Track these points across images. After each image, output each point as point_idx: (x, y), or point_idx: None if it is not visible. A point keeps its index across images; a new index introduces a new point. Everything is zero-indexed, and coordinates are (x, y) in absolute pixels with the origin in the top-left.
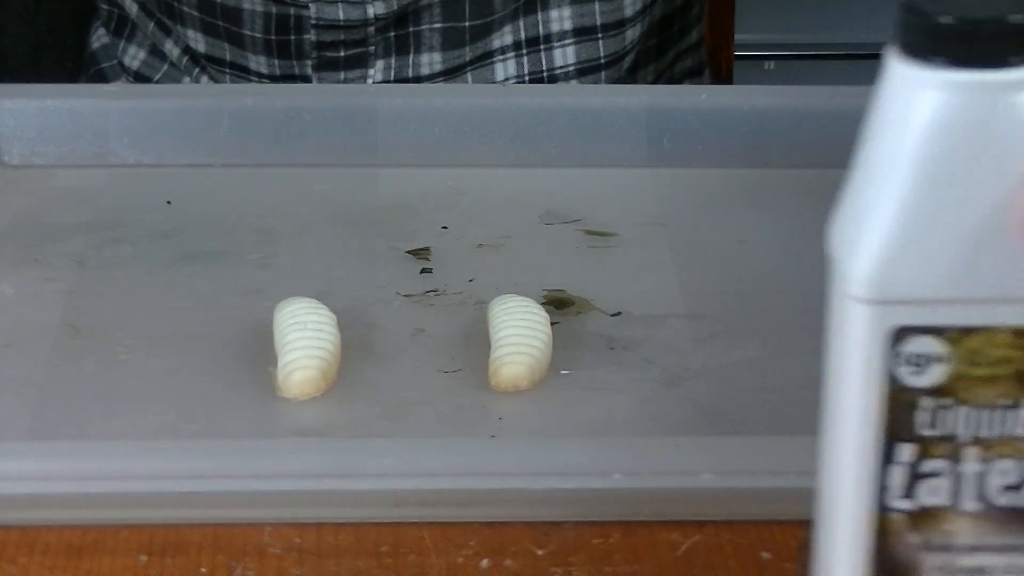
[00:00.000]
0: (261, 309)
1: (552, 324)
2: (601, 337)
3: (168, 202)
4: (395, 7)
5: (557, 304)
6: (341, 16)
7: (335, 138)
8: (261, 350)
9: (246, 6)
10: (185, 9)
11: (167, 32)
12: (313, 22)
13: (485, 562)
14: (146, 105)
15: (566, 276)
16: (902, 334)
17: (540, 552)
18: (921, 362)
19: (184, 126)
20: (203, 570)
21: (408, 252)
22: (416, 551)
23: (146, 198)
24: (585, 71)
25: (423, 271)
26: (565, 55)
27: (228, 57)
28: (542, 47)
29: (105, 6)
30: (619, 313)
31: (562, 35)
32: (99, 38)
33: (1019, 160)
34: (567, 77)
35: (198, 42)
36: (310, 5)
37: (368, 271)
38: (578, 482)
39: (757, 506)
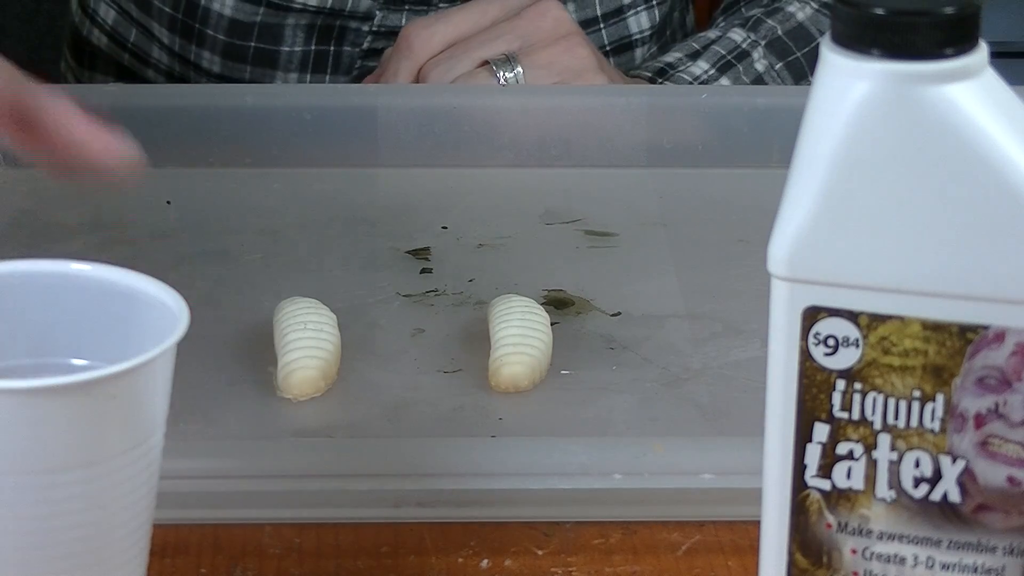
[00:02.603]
0: (261, 309)
1: (552, 324)
2: (601, 337)
3: (168, 202)
4: None
5: (557, 304)
6: (404, 23)
7: (335, 138)
8: (261, 350)
9: (289, 21)
10: (208, 32)
11: (145, 62)
12: (374, 29)
13: (485, 562)
14: (146, 105)
15: (566, 276)
16: (815, 314)
17: (540, 552)
18: (833, 343)
19: (184, 126)
20: (203, 570)
21: (408, 252)
22: (416, 551)
23: (146, 198)
24: None
25: (423, 271)
26: None
27: (248, 77)
28: None
29: (70, 37)
30: (619, 313)
31: None
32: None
33: (945, 152)
34: None
35: (213, 63)
36: (376, 12)
37: (368, 271)
38: (578, 482)
39: (757, 506)
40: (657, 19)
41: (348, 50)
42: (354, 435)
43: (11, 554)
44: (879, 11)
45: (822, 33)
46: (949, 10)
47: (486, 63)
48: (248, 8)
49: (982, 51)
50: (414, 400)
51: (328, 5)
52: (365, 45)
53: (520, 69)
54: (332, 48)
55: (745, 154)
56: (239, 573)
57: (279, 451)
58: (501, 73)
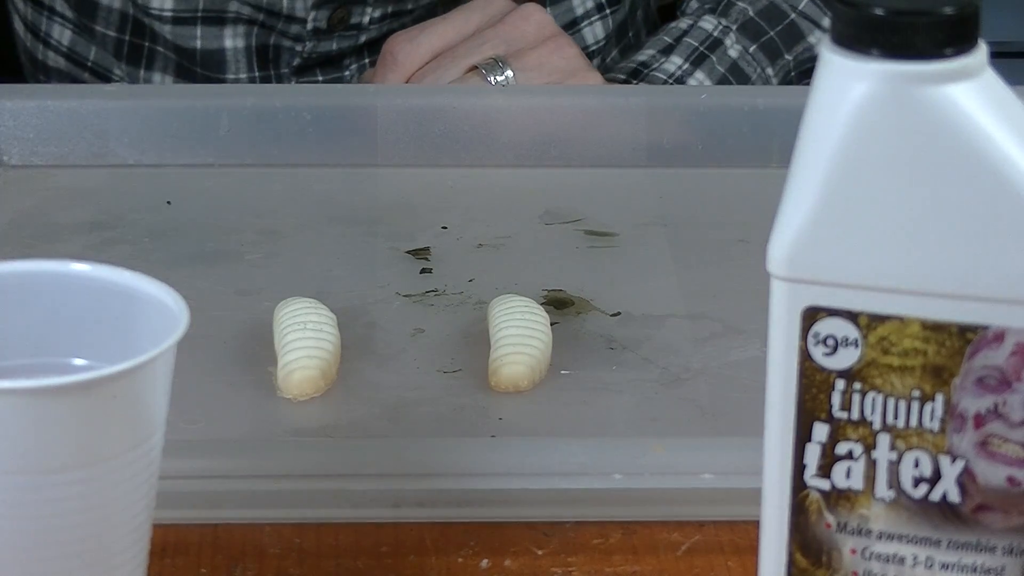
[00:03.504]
0: (261, 309)
1: (552, 324)
2: (601, 337)
3: (168, 202)
4: (384, 30)
5: (557, 304)
6: (335, 47)
7: (335, 138)
8: (261, 350)
9: (228, 44)
10: (159, 49)
11: (107, 80)
12: (306, 55)
13: (485, 562)
14: (146, 105)
15: (566, 276)
16: (814, 314)
17: (540, 552)
18: (832, 343)
19: (184, 126)
20: (203, 570)
21: (408, 252)
22: (416, 551)
23: (146, 198)
24: None
25: (423, 271)
26: None
27: None
28: None
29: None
30: (619, 313)
31: None
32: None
33: (945, 152)
34: None
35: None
36: (306, 43)
37: (368, 271)
38: (578, 482)
39: (757, 506)
40: (611, 27)
41: (286, 72)
42: (354, 435)
43: (11, 554)
44: (879, 11)
45: (794, 8)
46: (949, 10)
47: (474, 68)
48: (186, 20)
49: (982, 51)
50: (414, 400)
51: (259, 19)
52: (296, 63)
53: (510, 72)
54: (272, 72)
55: (745, 154)
56: (239, 573)
57: (279, 451)
58: (491, 77)
